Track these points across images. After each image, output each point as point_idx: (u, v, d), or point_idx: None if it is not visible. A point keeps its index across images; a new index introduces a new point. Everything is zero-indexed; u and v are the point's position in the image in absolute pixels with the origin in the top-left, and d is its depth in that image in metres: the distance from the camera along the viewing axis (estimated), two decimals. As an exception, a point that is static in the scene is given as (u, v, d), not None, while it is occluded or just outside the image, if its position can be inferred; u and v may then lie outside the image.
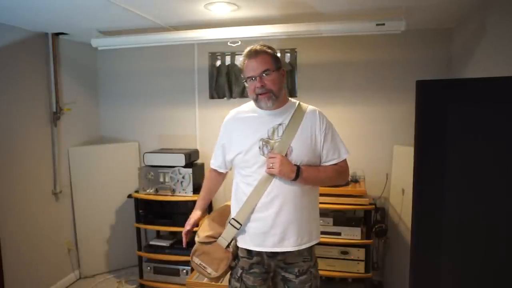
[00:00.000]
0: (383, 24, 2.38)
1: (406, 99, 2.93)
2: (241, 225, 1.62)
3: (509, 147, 1.20)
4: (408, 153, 2.35)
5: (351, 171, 2.94)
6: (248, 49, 1.61)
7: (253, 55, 1.56)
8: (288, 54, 3.16)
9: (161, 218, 3.06)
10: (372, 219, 2.76)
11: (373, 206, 2.68)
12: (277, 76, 1.58)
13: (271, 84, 1.55)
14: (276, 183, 1.56)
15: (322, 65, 3.14)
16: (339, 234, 2.68)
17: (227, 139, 1.71)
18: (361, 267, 2.67)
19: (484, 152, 1.24)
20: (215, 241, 1.68)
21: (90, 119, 3.57)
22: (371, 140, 3.09)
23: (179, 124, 3.50)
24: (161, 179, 3.00)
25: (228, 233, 1.66)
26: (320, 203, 2.67)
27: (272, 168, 1.53)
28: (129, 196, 3.16)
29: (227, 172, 1.85)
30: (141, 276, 3.12)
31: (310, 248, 1.68)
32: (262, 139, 1.59)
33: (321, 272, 2.74)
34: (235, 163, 1.69)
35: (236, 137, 1.67)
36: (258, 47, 1.59)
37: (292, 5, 2.32)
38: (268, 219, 1.58)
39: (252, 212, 1.60)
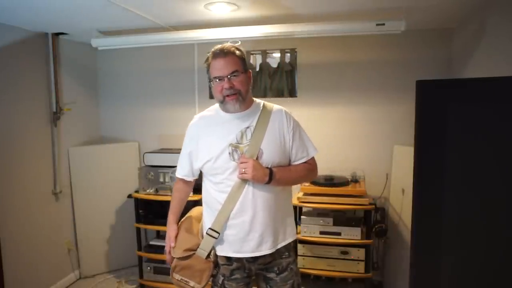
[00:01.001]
0: (383, 24, 2.38)
1: (406, 99, 2.93)
2: (219, 233, 1.58)
3: (509, 147, 1.20)
4: (408, 153, 2.35)
5: (351, 171, 2.99)
6: (215, 48, 1.55)
7: (221, 54, 1.51)
8: (288, 54, 3.15)
9: (161, 218, 3.05)
10: (372, 219, 2.75)
11: (373, 206, 2.68)
12: (245, 78, 1.54)
13: (239, 85, 1.51)
14: (249, 188, 1.53)
15: (322, 65, 3.14)
16: (339, 234, 2.68)
17: (193, 146, 1.66)
18: (361, 267, 2.67)
19: (484, 152, 1.24)
20: (194, 253, 1.64)
21: (90, 119, 3.57)
22: (371, 140, 3.09)
23: (179, 124, 3.49)
24: (161, 179, 2.99)
25: (206, 243, 1.61)
26: (320, 203, 2.70)
27: (245, 174, 1.49)
28: (129, 196, 3.16)
29: (194, 180, 1.79)
30: (141, 276, 3.12)
31: (288, 244, 1.66)
32: (231, 144, 1.55)
33: (321, 272, 2.76)
34: (204, 171, 1.64)
35: (203, 144, 1.62)
36: (226, 47, 1.54)
37: (292, 5, 2.32)
38: (245, 224, 1.55)
39: (227, 219, 1.56)
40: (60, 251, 3.19)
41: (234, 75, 1.51)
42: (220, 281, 1.65)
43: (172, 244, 1.70)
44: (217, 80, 1.52)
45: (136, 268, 3.25)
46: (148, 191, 3.03)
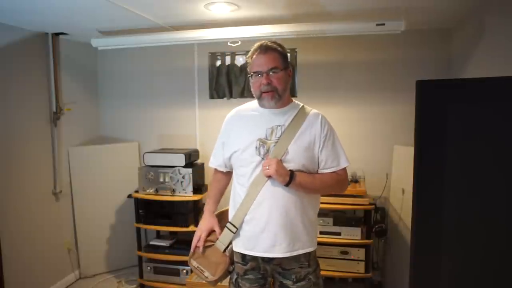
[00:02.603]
0: (383, 24, 2.38)
1: (406, 99, 2.92)
2: (237, 228, 1.60)
3: (509, 147, 1.20)
4: (408, 153, 2.35)
5: (351, 171, 2.98)
6: (258, 43, 1.58)
7: (263, 50, 1.54)
8: (288, 54, 3.14)
9: (161, 218, 3.05)
10: (372, 219, 2.76)
11: (373, 206, 2.68)
12: (283, 76, 1.55)
13: (277, 82, 1.53)
14: (269, 186, 1.53)
15: (322, 65, 3.14)
16: (339, 234, 2.68)
17: (226, 137, 1.68)
18: (361, 267, 2.67)
19: (484, 152, 1.24)
20: (213, 244, 1.67)
21: (90, 119, 3.57)
22: (371, 140, 3.09)
23: (179, 124, 3.50)
24: (161, 179, 2.99)
25: (225, 237, 1.64)
26: (320, 203, 2.68)
27: (268, 170, 1.49)
28: (129, 196, 3.16)
29: (229, 172, 1.78)
30: (141, 276, 3.12)
31: (308, 254, 1.63)
32: (259, 139, 1.56)
33: (321, 272, 2.74)
34: (232, 162, 1.66)
35: (234, 135, 1.64)
36: (269, 43, 1.56)
37: (292, 5, 2.32)
38: (260, 222, 1.55)
39: (246, 215, 1.57)
40: (60, 251, 3.19)
41: (274, 71, 1.52)
42: (234, 279, 1.67)
43: (199, 243, 1.69)
44: (257, 75, 1.54)
45: (136, 268, 3.25)
46: (148, 191, 3.03)
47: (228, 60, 3.28)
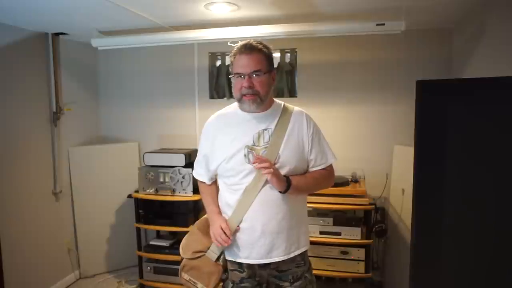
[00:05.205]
0: (383, 24, 2.38)
1: (406, 99, 2.93)
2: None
3: (509, 147, 1.20)
4: (408, 153, 2.35)
5: (351, 171, 2.99)
6: (242, 43, 1.49)
7: (247, 51, 1.45)
8: (288, 54, 3.15)
9: (161, 218, 3.05)
10: (372, 219, 2.76)
11: (373, 206, 2.68)
12: (267, 79, 1.48)
13: (259, 86, 1.45)
14: (263, 192, 1.48)
15: (322, 65, 3.14)
16: (339, 234, 2.68)
17: (209, 147, 1.60)
18: (361, 267, 2.67)
19: (484, 152, 1.24)
20: (204, 254, 1.60)
21: (90, 119, 3.57)
22: (371, 140, 3.09)
23: (179, 124, 3.50)
24: (161, 179, 2.99)
25: (216, 246, 1.58)
26: (320, 203, 2.70)
27: (268, 169, 1.40)
28: (129, 196, 3.16)
29: (213, 181, 1.72)
30: (141, 276, 3.11)
31: (303, 253, 1.62)
32: (247, 146, 1.50)
33: (321, 272, 2.76)
34: (219, 173, 1.59)
35: (218, 144, 1.56)
36: (253, 43, 1.48)
37: (292, 4, 2.32)
38: (256, 229, 1.50)
39: (240, 223, 1.52)
40: (60, 251, 3.19)
41: (256, 74, 1.45)
42: (229, 287, 1.63)
43: (228, 232, 1.50)
44: (238, 77, 1.47)
45: (136, 268, 3.25)
46: (148, 191, 3.02)
47: (228, 60, 3.28)
